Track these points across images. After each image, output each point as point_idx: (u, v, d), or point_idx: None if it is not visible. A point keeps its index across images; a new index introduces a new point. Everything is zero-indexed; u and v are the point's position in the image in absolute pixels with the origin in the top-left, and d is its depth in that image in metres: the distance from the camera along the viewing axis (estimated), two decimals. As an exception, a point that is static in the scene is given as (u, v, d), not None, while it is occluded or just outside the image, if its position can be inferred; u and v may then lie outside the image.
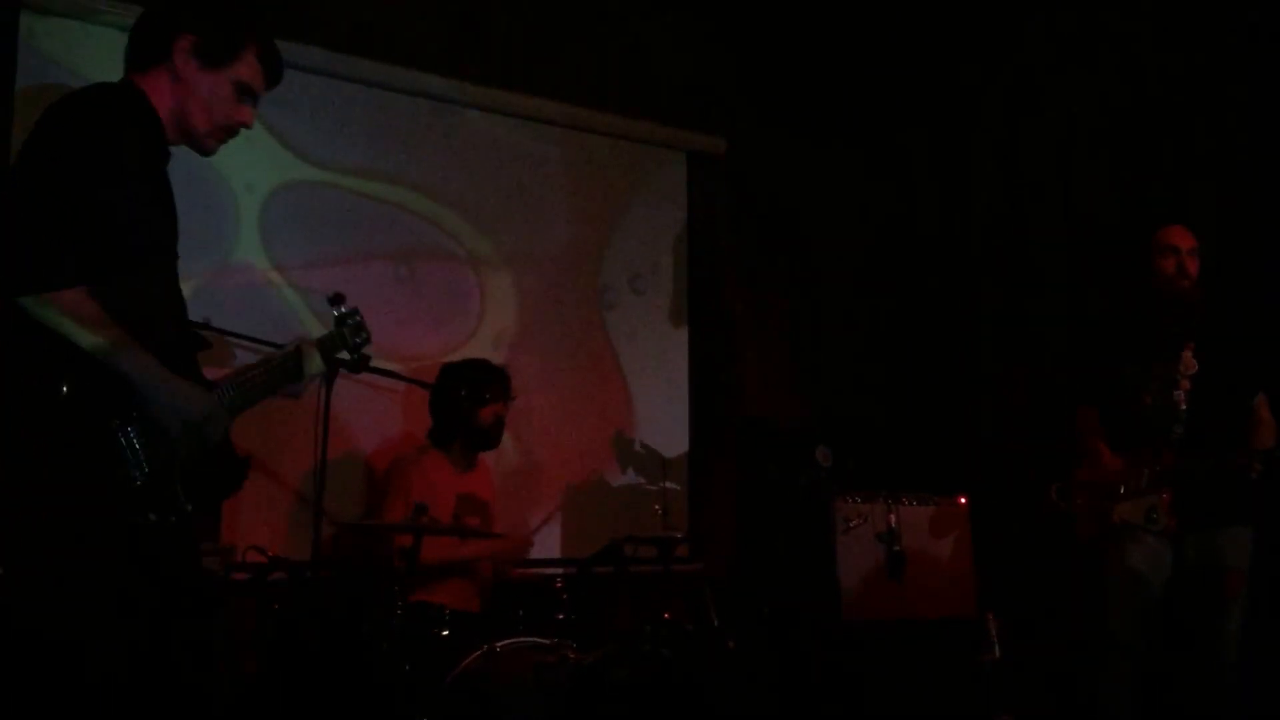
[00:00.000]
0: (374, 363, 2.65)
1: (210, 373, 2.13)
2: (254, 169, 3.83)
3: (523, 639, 3.08)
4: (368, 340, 2.49)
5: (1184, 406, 3.33)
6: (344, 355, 2.45)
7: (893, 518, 4.07)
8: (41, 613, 1.81)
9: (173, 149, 2.12)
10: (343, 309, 2.45)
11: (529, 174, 4.50)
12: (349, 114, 4.06)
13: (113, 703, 1.82)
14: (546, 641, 3.07)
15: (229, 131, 2.15)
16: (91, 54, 3.55)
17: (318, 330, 3.44)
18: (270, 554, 3.20)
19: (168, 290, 2.06)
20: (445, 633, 3.16)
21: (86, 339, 1.82)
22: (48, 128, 1.92)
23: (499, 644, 3.00)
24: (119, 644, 1.84)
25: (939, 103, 5.13)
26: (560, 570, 4.00)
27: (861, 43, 5.16)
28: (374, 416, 3.95)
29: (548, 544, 4.34)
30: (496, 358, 4.03)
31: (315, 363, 2.30)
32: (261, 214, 3.87)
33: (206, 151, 2.16)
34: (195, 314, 2.53)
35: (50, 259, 1.80)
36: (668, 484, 4.22)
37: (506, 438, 3.83)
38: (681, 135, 4.89)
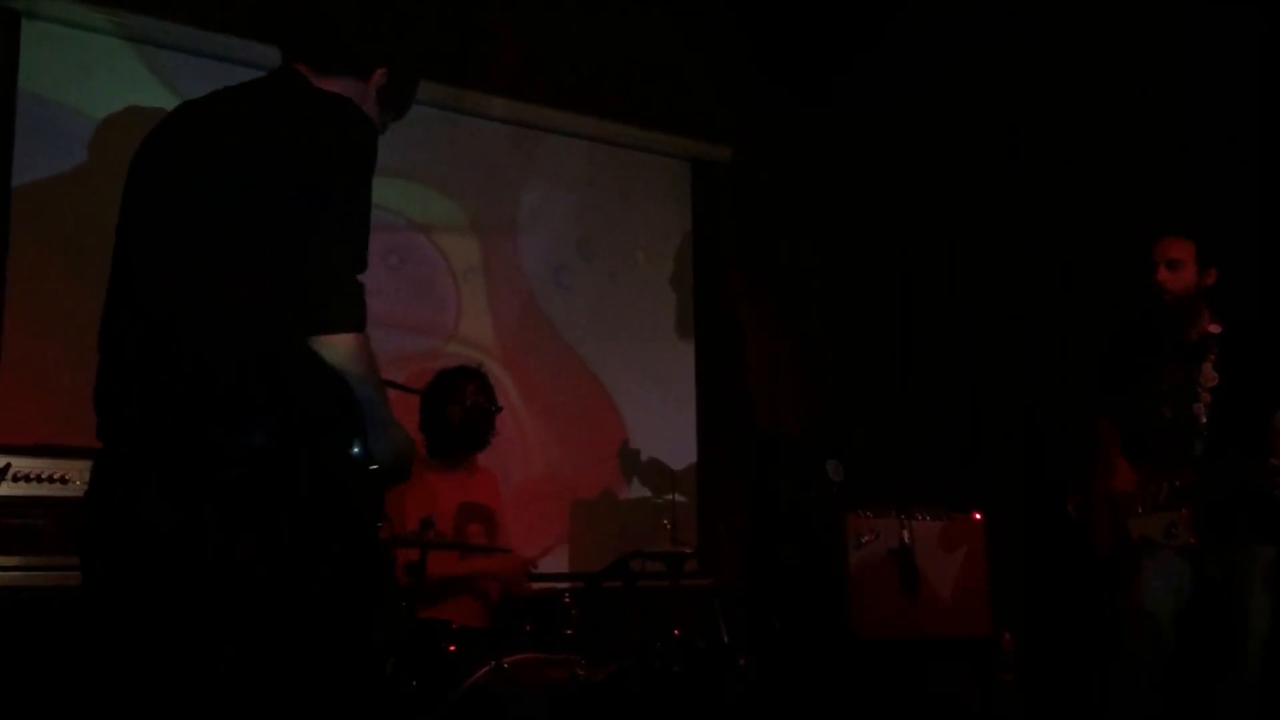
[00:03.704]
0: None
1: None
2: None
3: (531, 654, 3.04)
4: None
5: (1204, 420, 3.28)
6: None
7: (906, 533, 4.02)
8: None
9: None
10: None
11: (530, 183, 4.47)
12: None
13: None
14: (555, 657, 3.03)
15: None
16: (90, 63, 3.55)
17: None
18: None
19: None
20: (452, 648, 3.11)
21: (365, 380, 1.80)
22: (357, 147, 1.84)
23: (507, 659, 2.96)
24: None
25: (939, 105, 5.10)
26: (568, 585, 3.95)
27: (862, 50, 5.15)
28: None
29: (555, 559, 4.29)
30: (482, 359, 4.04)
31: None
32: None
33: None
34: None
35: (359, 296, 1.78)
36: (676, 497, 4.17)
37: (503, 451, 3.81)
38: (686, 143, 4.86)
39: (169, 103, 2.09)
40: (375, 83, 2.04)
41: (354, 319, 1.79)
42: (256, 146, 1.83)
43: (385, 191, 4.12)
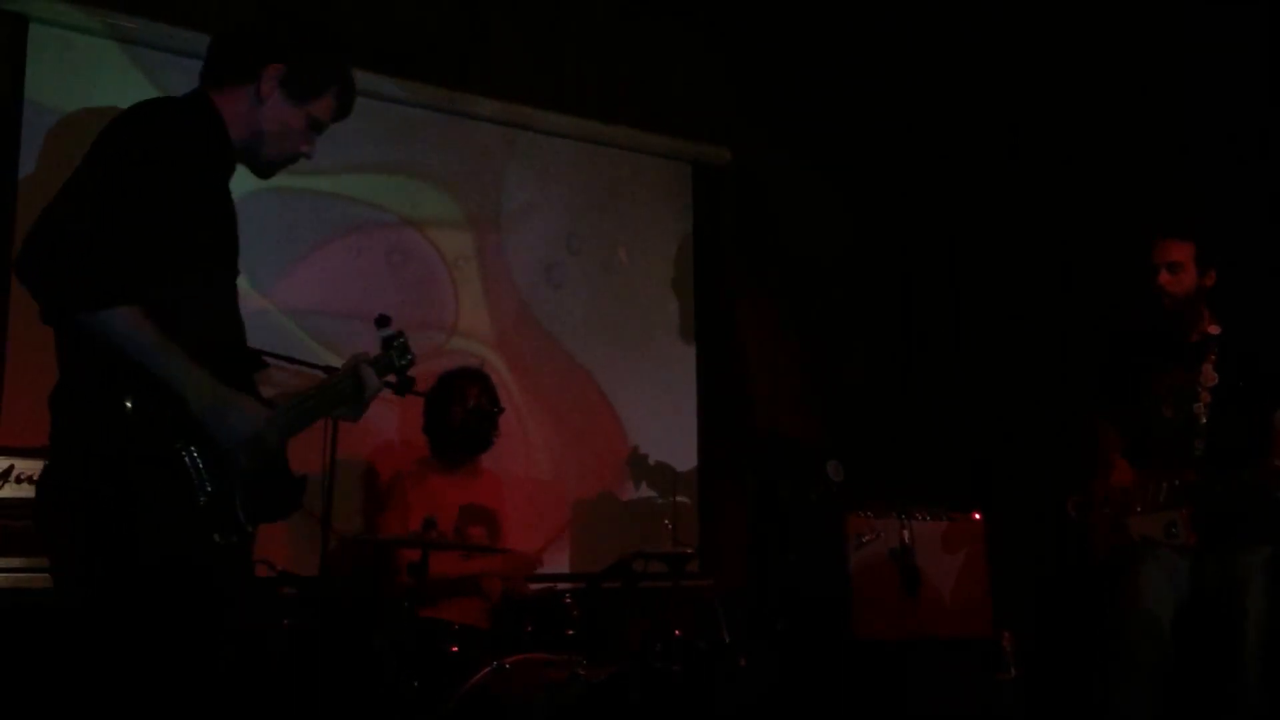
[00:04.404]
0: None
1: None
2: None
3: (532, 655, 3.04)
4: (412, 363, 2.41)
5: (1204, 420, 3.28)
6: (390, 379, 2.37)
7: (906, 534, 4.02)
8: (106, 631, 1.82)
9: None
10: (389, 331, 2.37)
11: (528, 184, 4.48)
12: (355, 124, 4.03)
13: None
14: (556, 657, 3.04)
15: (291, 161, 2.15)
16: (98, 67, 3.56)
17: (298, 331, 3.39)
18: (278, 568, 3.16)
19: (225, 306, 2.05)
20: (454, 649, 3.12)
21: (141, 357, 1.81)
22: (114, 137, 1.90)
23: (508, 660, 2.96)
24: (180, 660, 1.84)
25: (939, 110, 5.11)
26: (569, 586, 3.96)
27: (864, 52, 5.15)
28: (375, 422, 3.91)
29: (556, 559, 4.30)
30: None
31: (374, 384, 2.24)
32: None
33: (265, 176, 2.16)
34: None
35: (106, 275, 1.80)
36: (678, 498, 4.18)
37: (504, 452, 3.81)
38: (686, 146, 4.87)
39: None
40: (272, 78, 2.04)
41: (75, 298, 1.81)
42: None
43: (388, 190, 4.15)
